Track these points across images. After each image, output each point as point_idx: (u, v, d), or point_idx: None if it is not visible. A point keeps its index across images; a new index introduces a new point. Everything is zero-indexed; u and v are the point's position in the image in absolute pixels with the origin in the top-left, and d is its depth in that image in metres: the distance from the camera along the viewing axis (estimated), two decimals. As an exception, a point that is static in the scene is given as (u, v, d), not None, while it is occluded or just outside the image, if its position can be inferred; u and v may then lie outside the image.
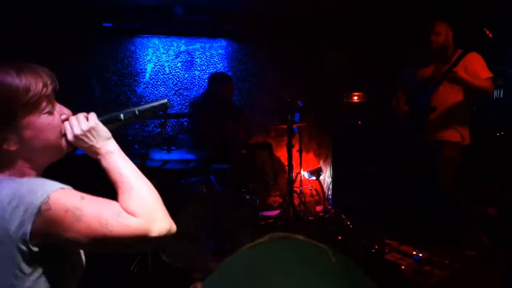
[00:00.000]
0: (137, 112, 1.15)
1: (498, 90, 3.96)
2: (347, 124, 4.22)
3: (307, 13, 4.11)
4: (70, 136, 1.03)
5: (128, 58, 4.36)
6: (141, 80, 4.43)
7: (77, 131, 1.02)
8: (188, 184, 3.16)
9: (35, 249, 0.86)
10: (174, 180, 3.22)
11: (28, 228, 0.84)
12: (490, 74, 2.89)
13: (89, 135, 1.03)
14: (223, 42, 4.64)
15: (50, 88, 0.96)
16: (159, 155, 3.01)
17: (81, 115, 1.06)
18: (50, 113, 0.98)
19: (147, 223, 0.92)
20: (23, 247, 0.85)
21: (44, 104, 0.95)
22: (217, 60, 4.64)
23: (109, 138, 1.07)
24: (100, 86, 4.31)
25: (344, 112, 4.28)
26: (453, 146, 3.01)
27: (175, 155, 3.09)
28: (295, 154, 3.95)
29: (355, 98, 4.20)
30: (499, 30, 2.78)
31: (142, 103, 4.42)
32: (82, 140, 1.03)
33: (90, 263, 1.14)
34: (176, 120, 4.46)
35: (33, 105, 0.92)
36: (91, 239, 0.88)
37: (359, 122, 4.17)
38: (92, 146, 1.04)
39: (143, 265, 2.67)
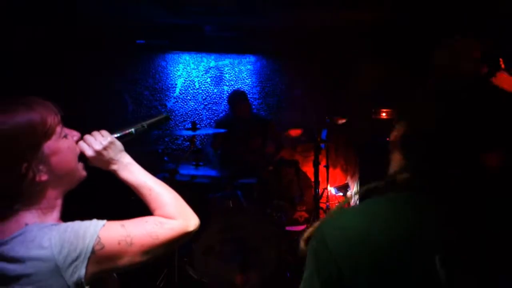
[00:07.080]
0: (146, 126, 1.24)
1: None
2: (375, 140, 4.16)
3: (335, 28, 4.12)
4: (90, 152, 1.06)
5: (160, 73, 4.51)
6: (172, 94, 4.55)
7: (97, 146, 1.07)
8: (214, 198, 3.19)
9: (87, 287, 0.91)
10: (201, 194, 3.26)
11: (82, 271, 0.89)
12: None
13: (108, 149, 1.09)
14: (251, 58, 4.71)
15: (59, 114, 1.01)
16: (187, 171, 3.07)
17: (95, 132, 1.11)
18: (66, 137, 1.03)
19: (185, 222, 1.05)
20: None
21: (59, 129, 1.00)
22: (245, 76, 4.71)
23: (123, 151, 1.13)
24: (132, 100, 4.47)
25: (373, 129, 4.23)
26: None
27: (202, 171, 3.15)
28: (322, 169, 3.92)
29: (384, 114, 4.15)
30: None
31: (149, 115, 4.54)
32: (102, 154, 1.08)
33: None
34: (204, 134, 4.55)
35: (51, 133, 0.97)
36: (145, 253, 0.97)
37: (387, 139, 4.10)
38: (111, 159, 1.09)
39: (169, 279, 2.72)
